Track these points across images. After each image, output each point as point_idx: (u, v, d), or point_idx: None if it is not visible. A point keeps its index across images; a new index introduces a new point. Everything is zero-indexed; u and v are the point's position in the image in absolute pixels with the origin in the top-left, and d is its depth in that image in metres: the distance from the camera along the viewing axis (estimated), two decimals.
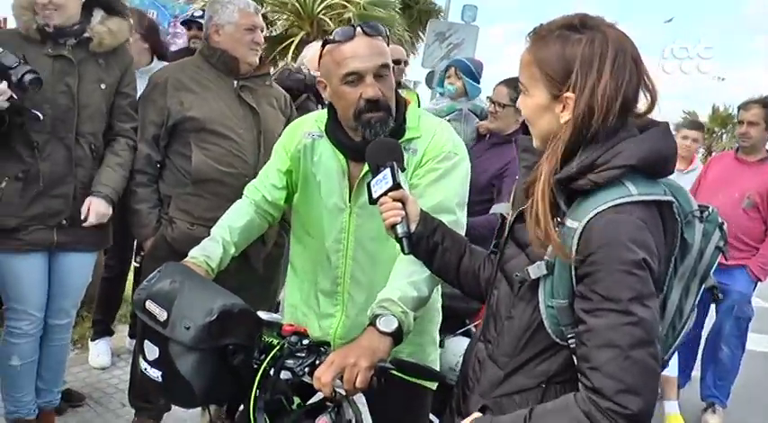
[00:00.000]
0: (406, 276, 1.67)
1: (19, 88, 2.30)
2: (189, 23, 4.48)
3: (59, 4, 2.43)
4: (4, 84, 2.26)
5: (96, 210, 2.54)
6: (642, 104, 1.30)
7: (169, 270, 1.63)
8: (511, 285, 1.39)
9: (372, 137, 1.76)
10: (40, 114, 2.39)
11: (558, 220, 1.25)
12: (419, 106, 2.96)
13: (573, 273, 1.23)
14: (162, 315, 1.50)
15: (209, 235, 1.91)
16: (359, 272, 1.89)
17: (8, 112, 2.33)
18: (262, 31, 2.78)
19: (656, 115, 1.34)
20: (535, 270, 1.28)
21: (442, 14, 14.45)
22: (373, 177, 1.64)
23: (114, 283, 3.85)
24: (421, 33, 15.21)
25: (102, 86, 2.56)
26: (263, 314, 1.65)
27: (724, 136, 38.05)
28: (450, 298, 2.07)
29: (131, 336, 3.93)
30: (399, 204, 1.59)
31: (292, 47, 11.39)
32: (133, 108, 2.70)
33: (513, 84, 3.27)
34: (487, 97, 3.56)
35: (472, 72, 3.94)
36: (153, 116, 2.66)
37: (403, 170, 1.66)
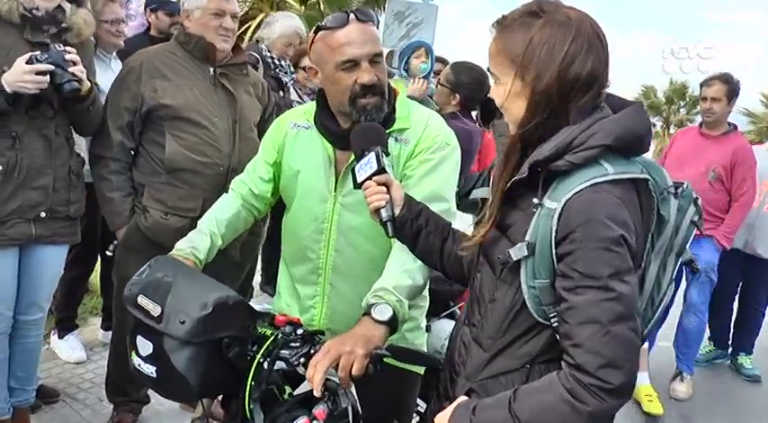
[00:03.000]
0: (400, 265, 1.68)
1: (56, 89, 2.30)
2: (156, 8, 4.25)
3: None
4: (48, 77, 2.26)
5: (79, 61, 2.36)
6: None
7: (160, 264, 1.61)
8: (493, 268, 1.41)
9: (368, 122, 1.76)
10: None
11: (537, 201, 1.28)
12: None
13: (553, 252, 1.25)
14: (155, 310, 1.48)
15: (181, 225, 1.92)
16: (341, 262, 1.89)
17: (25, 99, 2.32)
18: (234, 18, 2.71)
19: (613, 89, 1.39)
20: (516, 252, 1.30)
21: None
22: (358, 162, 1.64)
23: (79, 280, 3.76)
24: (379, 12, 15.13)
25: None
26: (255, 304, 1.65)
27: (681, 110, 38.99)
28: (433, 281, 2.05)
29: (105, 328, 3.86)
30: (384, 188, 1.60)
31: (251, 29, 11.24)
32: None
33: (455, 67, 3.58)
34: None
35: (432, 51, 4.10)
36: (126, 102, 2.59)
37: (387, 155, 1.66)
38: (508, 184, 1.34)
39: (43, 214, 2.49)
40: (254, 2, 12.44)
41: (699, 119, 4.46)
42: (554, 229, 1.24)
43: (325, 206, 1.87)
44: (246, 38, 11.50)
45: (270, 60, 4.06)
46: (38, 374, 2.97)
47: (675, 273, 1.38)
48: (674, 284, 1.39)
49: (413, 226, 1.63)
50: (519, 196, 1.34)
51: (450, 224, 1.70)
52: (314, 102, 1.93)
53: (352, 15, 1.78)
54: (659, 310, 1.39)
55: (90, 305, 4.34)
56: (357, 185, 1.64)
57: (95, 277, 4.07)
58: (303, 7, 12.33)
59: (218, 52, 2.65)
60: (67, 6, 2.48)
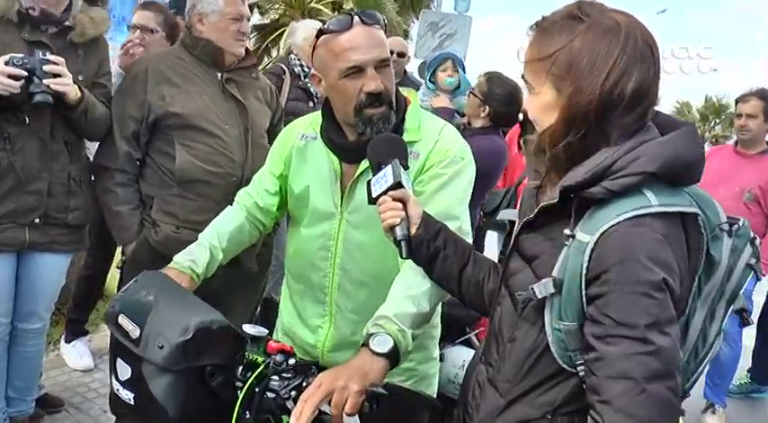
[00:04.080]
0: (405, 290, 1.55)
1: (27, 98, 2.21)
2: None
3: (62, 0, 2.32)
4: (21, 82, 2.17)
5: (64, 72, 2.27)
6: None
7: (145, 280, 1.50)
8: (514, 303, 1.27)
9: (374, 134, 1.65)
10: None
11: (570, 233, 1.13)
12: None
13: (583, 292, 1.11)
14: (135, 332, 1.38)
15: (194, 238, 1.81)
16: (348, 282, 1.77)
17: None
18: (248, 21, 2.65)
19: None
20: (541, 288, 1.16)
21: (435, 2, 14.30)
22: (374, 175, 1.53)
23: (94, 282, 3.69)
24: (413, 22, 15.10)
25: (80, 78, 2.41)
26: (247, 327, 1.54)
27: (717, 127, 38.27)
28: (449, 305, 1.93)
29: None
30: (399, 204, 1.48)
31: (284, 36, 11.24)
32: (107, 99, 2.55)
33: (489, 78, 3.40)
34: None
35: (464, 66, 3.91)
36: (132, 111, 2.50)
37: (406, 169, 1.54)
38: (535, 212, 1.21)
39: (37, 220, 2.41)
40: (286, 9, 12.45)
41: (734, 136, 4.25)
42: (585, 266, 1.10)
43: (332, 223, 1.76)
44: (281, 44, 11.51)
45: (299, 69, 3.93)
46: (42, 382, 2.90)
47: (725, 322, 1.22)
48: (721, 335, 1.23)
49: (429, 247, 1.49)
50: (547, 223, 1.20)
51: (472, 247, 1.56)
52: (319, 112, 1.81)
53: (356, 18, 1.65)
54: (704, 362, 1.23)
55: (103, 311, 4.26)
56: (372, 200, 1.52)
57: (112, 282, 4.00)
58: (336, 14, 12.32)
59: (227, 56, 2.56)
60: (78, 4, 2.41)
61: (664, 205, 1.10)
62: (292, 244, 1.90)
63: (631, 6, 1.45)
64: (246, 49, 2.65)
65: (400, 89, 1.80)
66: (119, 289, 3.45)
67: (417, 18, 14.46)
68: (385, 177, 1.50)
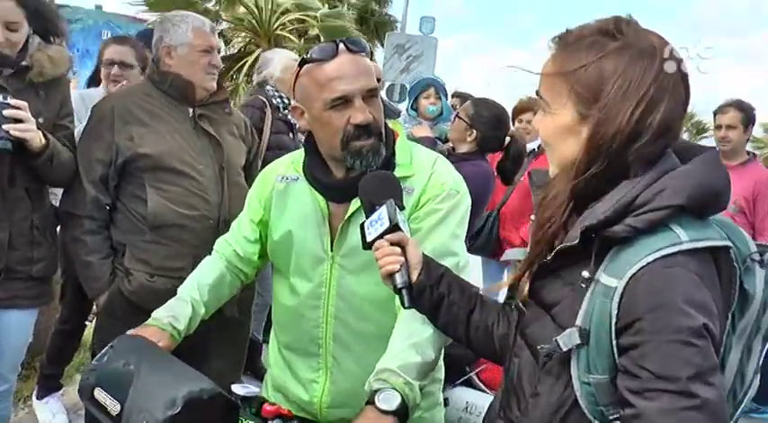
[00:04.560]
0: (407, 338, 1.44)
1: None
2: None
3: (15, 42, 2.18)
4: None
5: (26, 117, 2.12)
6: None
7: (122, 347, 1.37)
8: (535, 356, 1.15)
9: (363, 168, 1.55)
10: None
11: (588, 275, 1.03)
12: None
13: (614, 342, 1.01)
14: (114, 407, 1.25)
15: (171, 286, 1.71)
16: (344, 332, 1.65)
17: None
18: (219, 52, 2.53)
19: None
20: (566, 340, 1.05)
21: (398, 24, 14.38)
22: (367, 218, 1.42)
23: (70, 336, 3.48)
24: (379, 45, 15.15)
25: (41, 120, 2.25)
26: (237, 388, 1.42)
27: (684, 135, 39.01)
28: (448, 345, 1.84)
29: None
30: (398, 249, 1.36)
31: (247, 65, 11.16)
32: (70, 141, 2.41)
33: (475, 101, 3.35)
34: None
35: (446, 92, 3.85)
36: (99, 154, 2.35)
37: (402, 209, 1.44)
38: (552, 255, 1.10)
39: None
40: (251, 37, 12.37)
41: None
42: (614, 313, 1.00)
43: (322, 268, 1.64)
44: (242, 74, 11.42)
45: (278, 101, 3.80)
46: None
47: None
48: (759, 373, 1.12)
49: (433, 294, 1.38)
50: (566, 266, 1.10)
51: (478, 290, 1.45)
52: (301, 149, 1.70)
53: (341, 45, 1.56)
54: (743, 404, 1.12)
55: (78, 361, 4.02)
56: (367, 246, 1.41)
57: (88, 331, 3.80)
58: (302, 40, 12.26)
59: (198, 91, 2.43)
60: (35, 42, 2.27)
61: (694, 240, 1.00)
62: (278, 293, 1.77)
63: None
64: (218, 83, 2.53)
65: (387, 122, 1.70)
66: (92, 346, 3.29)
67: (381, 42, 14.52)
68: (380, 220, 1.39)
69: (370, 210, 1.42)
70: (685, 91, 1.08)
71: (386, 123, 1.66)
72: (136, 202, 2.35)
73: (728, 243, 1.05)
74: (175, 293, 1.70)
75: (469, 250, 3.75)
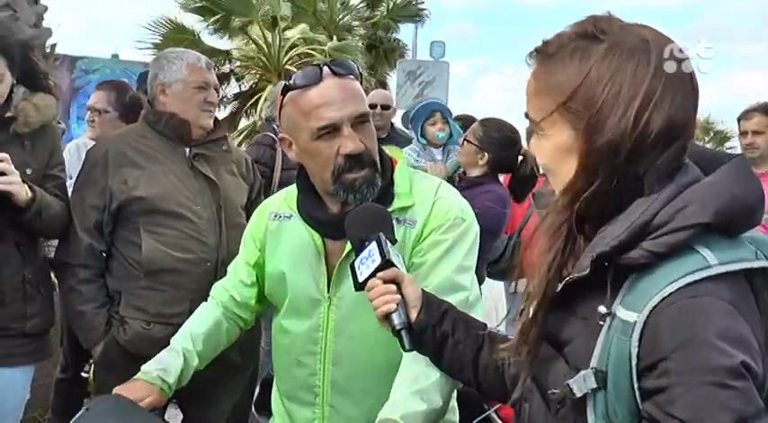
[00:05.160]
0: (411, 384, 1.32)
1: None
2: None
3: None
4: None
5: (9, 170, 2.03)
6: None
7: (98, 410, 1.29)
8: (546, 401, 1.02)
9: (357, 202, 1.45)
10: None
11: (605, 310, 0.90)
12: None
13: (635, 384, 0.87)
14: None
15: (168, 333, 1.64)
16: (343, 379, 1.54)
17: None
18: (216, 90, 2.45)
19: None
20: (580, 383, 0.91)
21: (408, 50, 14.41)
22: (357, 255, 1.31)
23: (72, 386, 3.39)
24: (389, 73, 15.18)
25: (28, 171, 2.18)
26: None
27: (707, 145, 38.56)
28: None
29: None
30: (393, 287, 1.26)
31: (261, 100, 11.26)
32: (62, 191, 2.33)
33: (484, 123, 3.23)
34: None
35: (450, 113, 3.78)
36: (93, 200, 2.28)
37: (394, 243, 1.33)
38: (560, 287, 0.97)
39: None
40: (262, 73, 12.51)
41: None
42: (635, 352, 0.86)
43: (318, 311, 1.53)
44: (258, 110, 11.51)
45: None
46: None
47: None
48: None
49: (436, 334, 1.26)
50: (578, 299, 0.96)
51: (485, 327, 1.32)
52: (294, 185, 1.60)
53: (326, 69, 1.46)
54: None
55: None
56: (359, 286, 1.30)
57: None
58: None
59: (194, 129, 2.36)
60: (20, 91, 2.21)
61: (725, 263, 0.86)
62: (275, 337, 1.68)
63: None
64: (215, 120, 2.45)
65: (384, 148, 1.60)
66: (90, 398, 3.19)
67: (393, 69, 14.53)
68: (371, 256, 1.29)
69: (359, 247, 1.32)
70: (693, 85, 0.96)
71: (381, 150, 1.56)
72: (131, 248, 2.28)
73: (766, 263, 0.91)
74: None
75: (491, 276, 3.63)
